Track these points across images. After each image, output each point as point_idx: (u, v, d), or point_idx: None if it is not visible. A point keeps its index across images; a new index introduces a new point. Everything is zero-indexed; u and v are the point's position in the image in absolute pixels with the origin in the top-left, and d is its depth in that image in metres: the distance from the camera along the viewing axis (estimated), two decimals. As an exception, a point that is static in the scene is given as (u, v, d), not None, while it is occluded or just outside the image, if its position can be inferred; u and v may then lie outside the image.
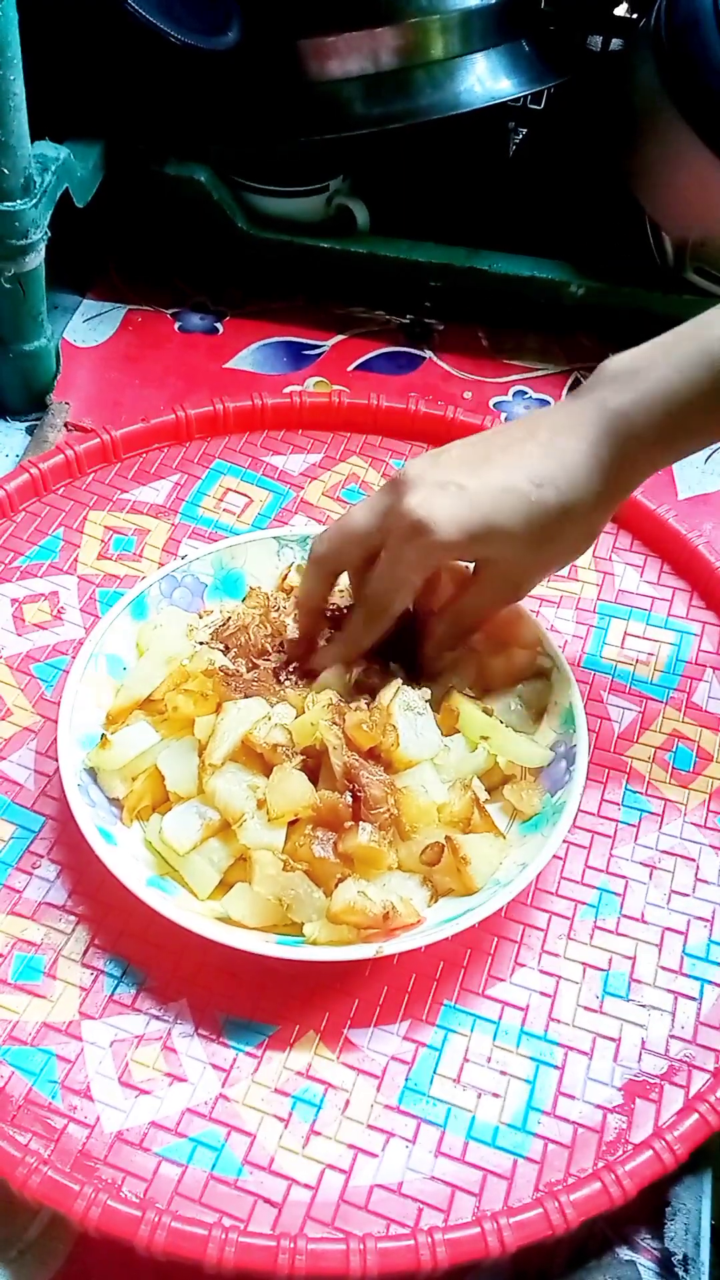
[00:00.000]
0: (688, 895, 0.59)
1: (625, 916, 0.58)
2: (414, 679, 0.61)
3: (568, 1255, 0.49)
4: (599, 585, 0.72)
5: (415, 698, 0.59)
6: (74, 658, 0.63)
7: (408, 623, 0.62)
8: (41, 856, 0.58)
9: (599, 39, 0.96)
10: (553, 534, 0.53)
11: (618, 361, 0.53)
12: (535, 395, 0.87)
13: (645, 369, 0.51)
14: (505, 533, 0.52)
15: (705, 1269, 0.49)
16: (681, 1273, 0.48)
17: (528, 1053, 0.53)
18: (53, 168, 0.72)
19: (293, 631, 0.62)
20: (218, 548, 0.67)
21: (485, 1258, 0.47)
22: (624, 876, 0.59)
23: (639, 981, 0.56)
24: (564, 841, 0.55)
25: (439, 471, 0.53)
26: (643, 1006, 0.55)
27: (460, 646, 0.62)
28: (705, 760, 0.64)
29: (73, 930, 0.55)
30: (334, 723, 0.56)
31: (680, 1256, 0.49)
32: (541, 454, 0.52)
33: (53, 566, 0.70)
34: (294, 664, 0.61)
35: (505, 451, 0.53)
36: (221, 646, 0.62)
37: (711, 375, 0.50)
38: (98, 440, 0.76)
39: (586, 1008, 0.55)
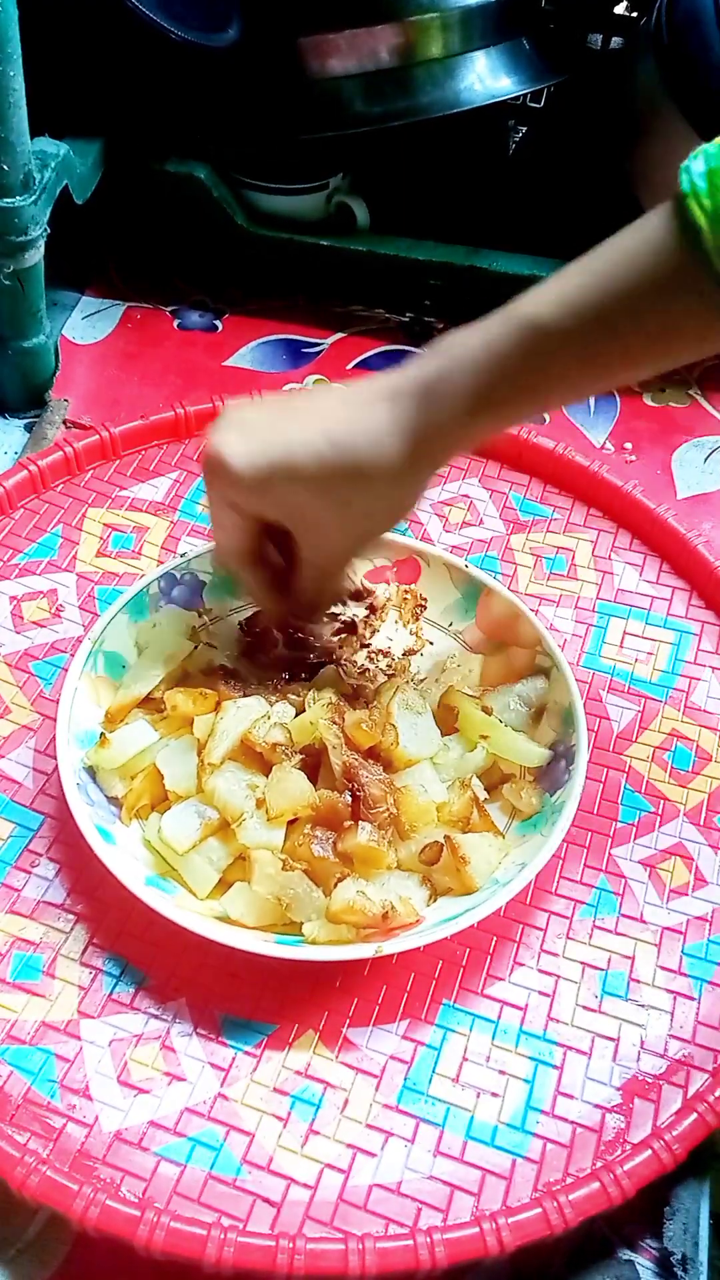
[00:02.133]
0: (686, 895, 0.59)
1: (624, 916, 0.58)
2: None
3: (566, 1255, 0.49)
4: (598, 584, 0.72)
5: (415, 697, 0.59)
6: (73, 655, 0.62)
7: None
8: (40, 855, 0.58)
9: (599, 37, 0.96)
10: (350, 497, 0.51)
11: (441, 338, 0.51)
12: (535, 394, 0.87)
13: (457, 340, 0.50)
14: (297, 481, 0.51)
15: (704, 1269, 0.49)
16: (680, 1272, 0.48)
17: (526, 1052, 0.53)
18: (52, 164, 0.72)
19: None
20: (217, 546, 0.66)
21: (484, 1257, 0.47)
22: (623, 876, 0.59)
23: (638, 981, 0.56)
24: (563, 841, 0.55)
25: (244, 414, 0.53)
26: (641, 1006, 0.55)
27: (315, 620, 0.62)
28: (704, 760, 0.64)
29: (71, 929, 0.55)
30: (333, 721, 0.56)
31: (679, 1256, 0.49)
32: (345, 416, 0.51)
33: (51, 564, 0.70)
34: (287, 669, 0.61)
35: (312, 410, 0.52)
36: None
37: (512, 345, 0.48)
38: (97, 437, 0.75)
39: (585, 1007, 0.55)
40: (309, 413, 0.52)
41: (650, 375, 0.51)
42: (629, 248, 0.48)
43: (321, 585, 0.59)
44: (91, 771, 0.57)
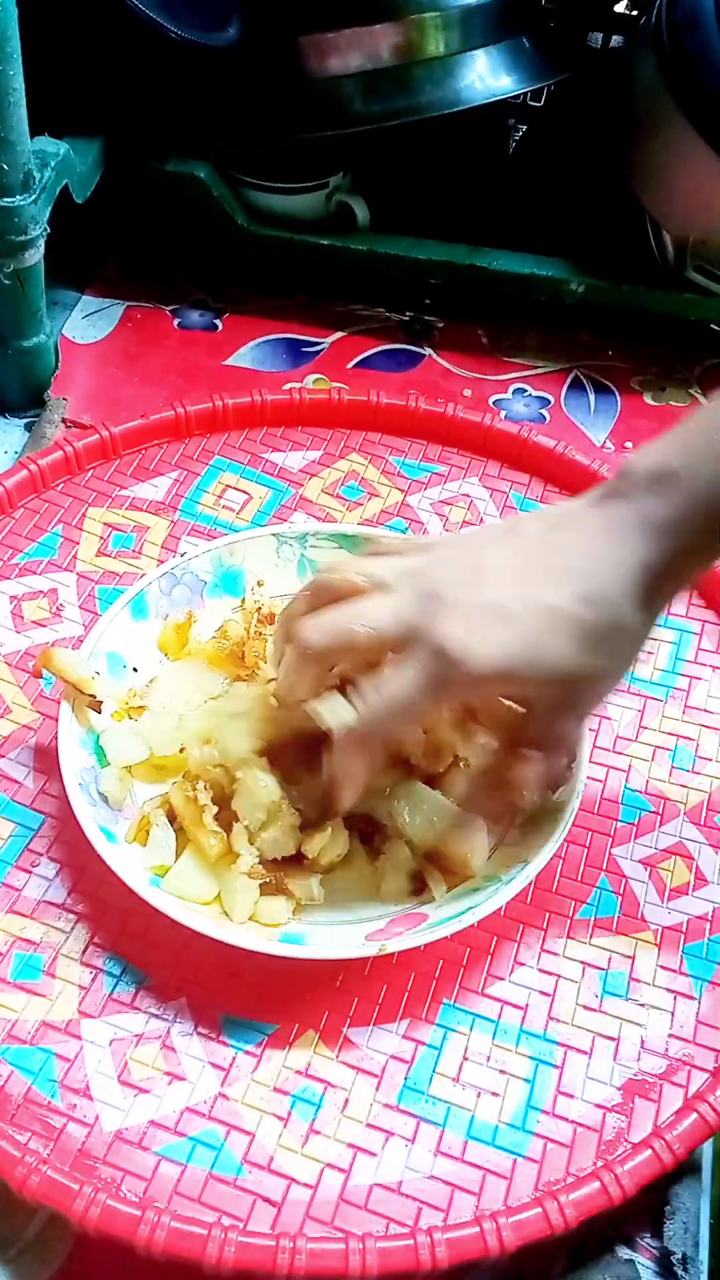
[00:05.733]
0: (687, 894, 0.59)
1: (624, 915, 0.58)
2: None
3: (567, 1254, 0.49)
4: (599, 584, 0.72)
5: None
6: (73, 655, 0.62)
7: None
8: (41, 854, 0.58)
9: (599, 36, 0.96)
10: (605, 649, 0.47)
11: (646, 460, 0.48)
12: (535, 393, 0.87)
13: (682, 471, 0.46)
14: (554, 664, 0.46)
15: (704, 1268, 0.49)
16: (681, 1272, 0.48)
17: (527, 1052, 0.53)
18: (52, 163, 0.72)
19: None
20: (217, 545, 0.66)
21: (484, 1257, 0.47)
22: (623, 875, 0.59)
23: (638, 980, 0.56)
24: (564, 840, 0.55)
25: (483, 591, 0.47)
26: (642, 1006, 0.55)
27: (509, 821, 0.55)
28: (705, 759, 0.64)
29: (72, 928, 0.55)
30: None
31: (679, 1256, 0.49)
32: (589, 569, 0.47)
33: (51, 563, 0.70)
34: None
35: (548, 568, 0.47)
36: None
37: None
38: (97, 436, 0.75)
39: (586, 1007, 0.55)
40: (548, 571, 0.47)
41: None
42: None
43: (545, 766, 0.52)
44: (93, 772, 0.57)
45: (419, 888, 0.56)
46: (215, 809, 0.54)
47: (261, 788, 0.54)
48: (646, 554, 0.46)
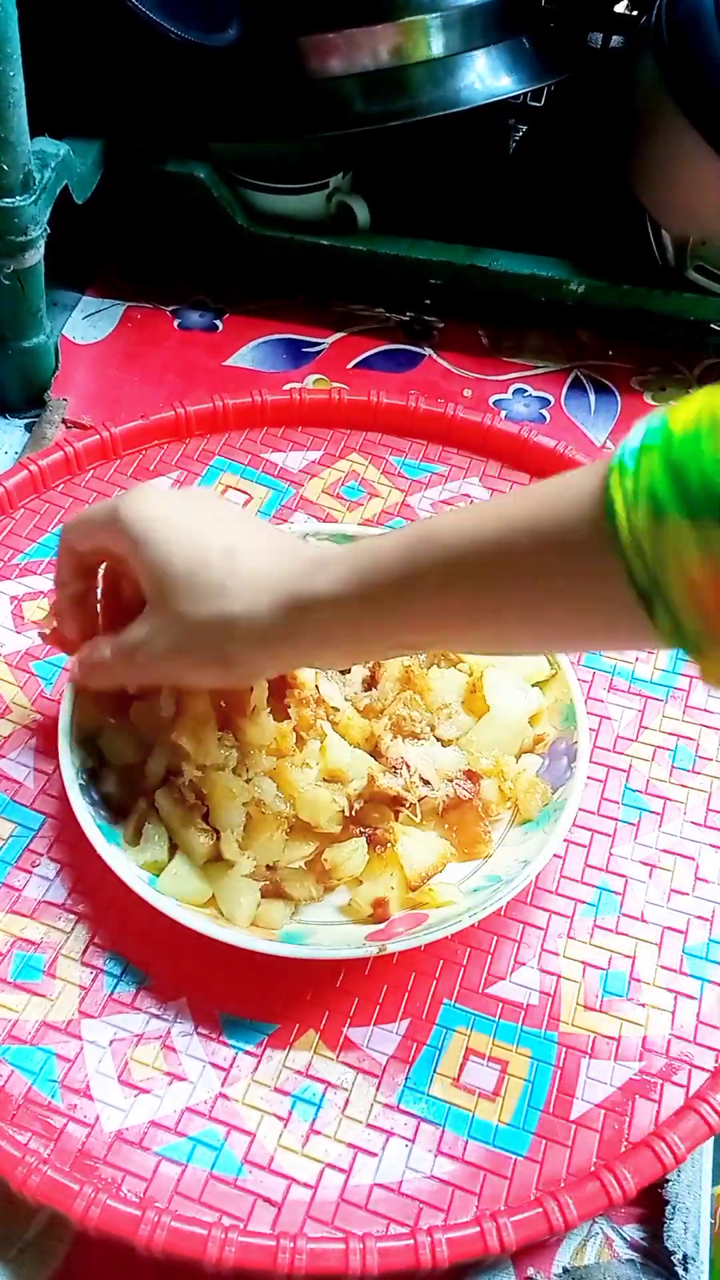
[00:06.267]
0: (687, 894, 0.59)
1: (625, 915, 0.58)
2: None
3: (567, 1254, 0.49)
4: (599, 584, 0.72)
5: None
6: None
7: None
8: (41, 855, 0.58)
9: (599, 36, 0.96)
10: (203, 608, 0.47)
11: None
12: (535, 393, 0.87)
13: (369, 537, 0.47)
14: (158, 557, 0.48)
15: (705, 1268, 0.49)
16: (681, 1271, 0.48)
17: (527, 1051, 0.53)
18: (52, 164, 0.72)
19: None
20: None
21: (485, 1256, 0.47)
22: (624, 875, 0.59)
23: (639, 980, 0.56)
24: (564, 840, 0.55)
25: (165, 493, 0.51)
26: (642, 1005, 0.55)
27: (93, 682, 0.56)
28: (705, 759, 0.64)
29: (72, 929, 0.55)
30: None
31: (680, 1255, 0.49)
32: (256, 549, 0.48)
33: (52, 564, 0.70)
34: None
35: (227, 522, 0.50)
36: None
37: (401, 547, 0.44)
38: (97, 437, 0.75)
39: (586, 1006, 0.55)
40: (221, 523, 0.49)
41: (556, 649, 0.52)
42: (552, 495, 0.41)
43: (125, 664, 0.52)
44: (93, 772, 0.57)
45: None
46: (205, 808, 0.55)
47: (230, 797, 0.54)
48: (298, 582, 0.47)
